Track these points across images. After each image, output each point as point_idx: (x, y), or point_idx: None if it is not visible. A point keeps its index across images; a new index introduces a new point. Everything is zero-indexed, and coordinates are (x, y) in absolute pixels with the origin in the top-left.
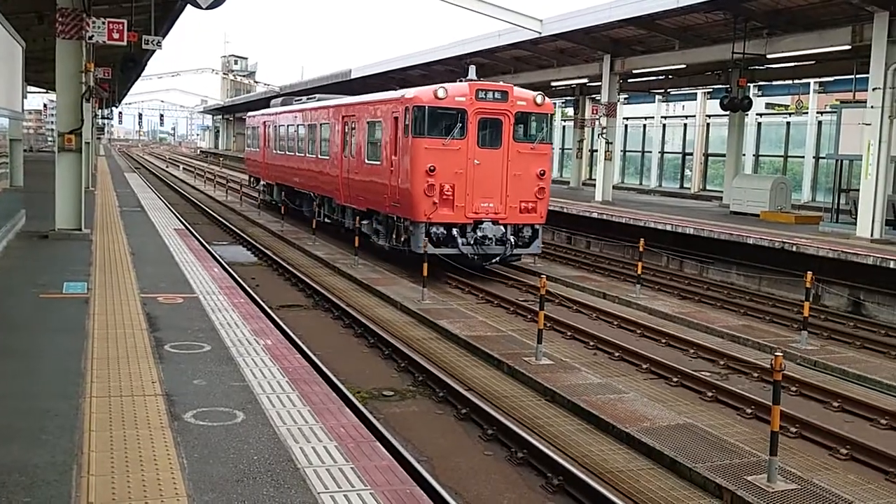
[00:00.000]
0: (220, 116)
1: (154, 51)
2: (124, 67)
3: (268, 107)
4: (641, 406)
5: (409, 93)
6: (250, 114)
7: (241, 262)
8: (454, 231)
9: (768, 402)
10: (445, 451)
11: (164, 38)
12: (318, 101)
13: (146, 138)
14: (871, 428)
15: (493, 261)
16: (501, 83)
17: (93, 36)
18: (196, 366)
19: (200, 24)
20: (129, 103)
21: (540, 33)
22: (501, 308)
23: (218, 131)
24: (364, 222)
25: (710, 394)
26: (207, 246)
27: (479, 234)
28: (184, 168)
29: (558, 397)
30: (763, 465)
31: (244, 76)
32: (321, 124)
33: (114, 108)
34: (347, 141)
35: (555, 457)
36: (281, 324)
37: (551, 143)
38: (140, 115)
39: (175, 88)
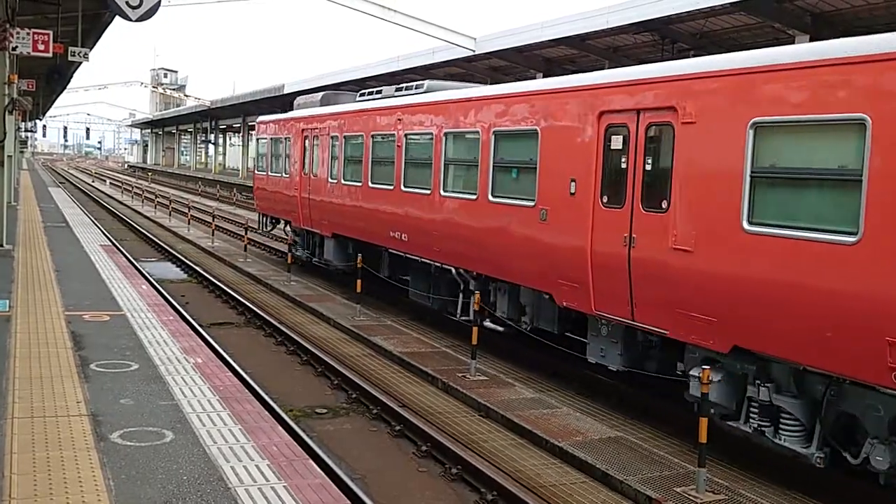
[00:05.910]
0: (149, 130)
1: (81, 63)
2: (49, 79)
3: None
4: (574, 420)
5: None
6: (265, 118)
7: (170, 279)
8: None
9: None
10: (380, 468)
11: (91, 49)
12: (426, 89)
13: (71, 152)
14: None
15: None
16: None
17: (17, 47)
18: (123, 385)
19: (129, 36)
20: (54, 116)
21: (473, 51)
22: None
23: (147, 145)
24: (716, 378)
25: (640, 407)
26: (135, 262)
27: None
28: (111, 183)
29: (492, 413)
30: (692, 477)
31: (174, 90)
32: (504, 134)
33: (38, 121)
34: (651, 173)
35: (488, 472)
36: (211, 341)
37: None
38: (65, 129)
39: (102, 101)
